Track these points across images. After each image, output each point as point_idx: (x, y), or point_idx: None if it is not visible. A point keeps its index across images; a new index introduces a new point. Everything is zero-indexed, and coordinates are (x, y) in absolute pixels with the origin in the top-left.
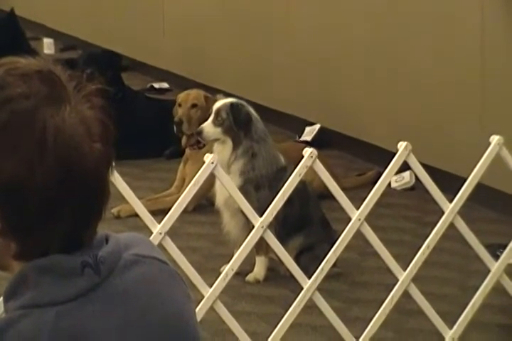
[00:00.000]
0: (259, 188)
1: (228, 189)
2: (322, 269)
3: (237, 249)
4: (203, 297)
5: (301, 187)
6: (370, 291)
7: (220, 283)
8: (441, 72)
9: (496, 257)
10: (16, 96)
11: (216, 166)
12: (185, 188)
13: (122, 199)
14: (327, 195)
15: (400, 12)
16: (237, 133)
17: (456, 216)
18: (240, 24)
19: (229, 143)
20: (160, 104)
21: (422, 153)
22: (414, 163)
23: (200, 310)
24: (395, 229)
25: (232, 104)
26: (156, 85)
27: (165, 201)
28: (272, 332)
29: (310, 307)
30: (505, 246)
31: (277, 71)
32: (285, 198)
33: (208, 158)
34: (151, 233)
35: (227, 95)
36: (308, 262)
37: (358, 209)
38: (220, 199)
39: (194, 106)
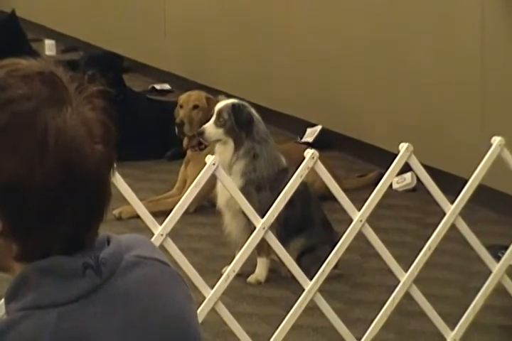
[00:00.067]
0: (260, 189)
1: (229, 190)
2: (323, 270)
3: (239, 251)
4: (204, 298)
5: (303, 189)
6: (371, 292)
7: (222, 284)
8: (441, 72)
9: (498, 258)
10: (18, 98)
11: (218, 167)
12: (187, 190)
13: (124, 200)
14: (328, 197)
15: (399, 12)
16: (239, 134)
17: (458, 217)
18: (240, 25)
19: (230, 144)
20: (161, 105)
21: (423, 154)
22: (415, 164)
23: (202, 312)
24: (396, 230)
25: (233, 105)
26: (158, 86)
27: (166, 202)
28: (273, 334)
29: (311, 308)
30: (506, 248)
31: (278, 72)
32: (286, 199)
33: (209, 159)
34: (153, 234)
35: (228, 96)
36: (310, 263)
37: (359, 210)
38: (221, 201)
39: (195, 107)
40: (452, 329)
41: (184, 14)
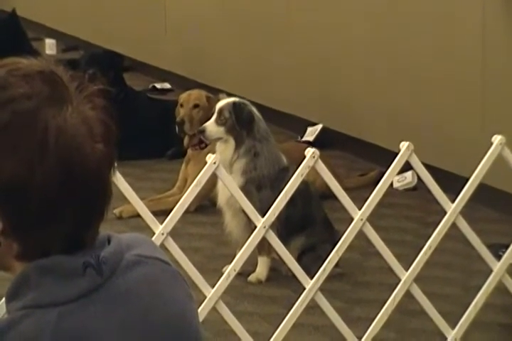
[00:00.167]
0: (261, 188)
1: (230, 189)
2: (324, 269)
3: (239, 249)
4: (205, 297)
5: (304, 188)
6: (372, 291)
7: (222, 283)
8: (442, 71)
9: (498, 257)
10: (18, 97)
11: (218, 166)
12: (188, 189)
13: (124, 199)
14: (329, 195)
15: (400, 12)
16: (240, 132)
17: (459, 216)
18: (240, 25)
19: (231, 143)
20: (162, 104)
21: (424, 152)
22: (416, 163)
23: (203, 311)
24: (397, 229)
25: (234, 103)
26: (158, 85)
27: (167, 201)
28: (274, 333)
29: (312, 307)
30: (507, 246)
31: (278, 71)
32: (287, 198)
33: (210, 158)
34: (153, 233)
35: (229, 95)
36: (311, 262)
37: (360, 209)
38: (222, 199)
39: (196, 106)
40: (453, 327)
41: (185, 13)
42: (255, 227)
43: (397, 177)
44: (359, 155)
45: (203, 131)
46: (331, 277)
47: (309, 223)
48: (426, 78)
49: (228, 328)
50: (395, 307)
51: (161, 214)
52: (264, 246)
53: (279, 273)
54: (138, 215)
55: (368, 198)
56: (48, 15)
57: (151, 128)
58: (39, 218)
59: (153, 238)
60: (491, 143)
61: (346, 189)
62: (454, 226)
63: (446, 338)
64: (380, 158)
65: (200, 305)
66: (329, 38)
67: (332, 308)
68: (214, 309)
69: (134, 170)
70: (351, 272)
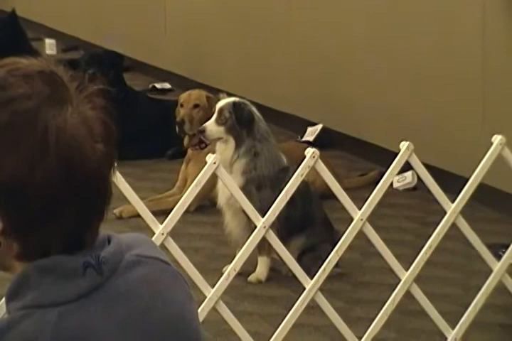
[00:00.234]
0: (261, 188)
1: (230, 189)
2: (324, 269)
3: (239, 249)
4: (205, 297)
5: (304, 188)
6: (372, 291)
7: (223, 283)
8: (442, 71)
9: (498, 257)
10: (18, 97)
11: (218, 166)
12: (188, 189)
13: (124, 199)
14: (329, 195)
15: (400, 11)
16: (240, 132)
17: (459, 216)
18: (240, 24)
19: (231, 142)
20: (162, 104)
21: (424, 152)
22: (416, 163)
23: (203, 311)
24: (397, 229)
25: (234, 103)
26: (158, 85)
27: (167, 201)
28: (274, 333)
29: (312, 307)
30: (507, 246)
31: (279, 71)
32: (287, 198)
33: (210, 158)
34: (153, 233)
35: (229, 95)
36: (311, 262)
37: (360, 209)
38: (222, 199)
39: (196, 106)
40: (453, 327)
41: (184, 13)
42: (255, 227)
43: (397, 177)
44: (359, 155)
45: (203, 131)
46: (331, 277)
47: (309, 223)
48: (426, 78)
49: (228, 328)
50: (395, 307)
51: (161, 214)
52: (264, 246)
53: (279, 273)
54: (138, 215)
55: (367, 198)
56: (47, 15)
57: (151, 128)
58: (39, 218)
59: (154, 238)
60: (491, 143)
61: (346, 189)
62: (454, 226)
63: (446, 338)
64: (380, 158)
65: (200, 305)
66: (329, 37)
67: (332, 308)
68: (214, 309)
69: (134, 170)
70: (351, 272)
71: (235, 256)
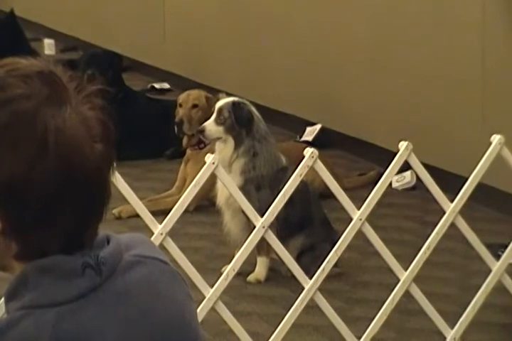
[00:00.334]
0: (260, 188)
1: (229, 189)
2: (323, 269)
3: (238, 249)
4: (204, 297)
5: (303, 187)
6: (371, 291)
7: (222, 283)
8: (441, 72)
9: (497, 257)
10: (17, 97)
11: (217, 166)
12: (186, 189)
13: (123, 199)
14: (328, 195)
15: (400, 11)
16: (239, 131)
17: (458, 215)
18: (240, 24)
19: (231, 142)
20: (161, 104)
21: (422, 152)
22: (415, 162)
23: (202, 311)
24: (396, 228)
25: (234, 103)
26: (157, 86)
27: (166, 201)
28: (273, 333)
29: (311, 307)
30: (506, 246)
31: (278, 71)
32: (286, 198)
33: (208, 158)
34: (152, 233)
35: (228, 95)
36: (310, 262)
37: (359, 209)
38: (221, 199)
39: (195, 106)
40: (452, 327)
41: (183, 13)
42: (254, 227)
43: (396, 177)
44: (358, 155)
45: (202, 131)
46: (330, 277)
47: (308, 223)
48: (425, 78)
49: (227, 328)
50: (394, 307)
51: (160, 214)
52: (263, 246)
53: (278, 273)
54: (137, 215)
55: (367, 198)
56: (46, 15)
57: (149, 129)
58: (38, 218)
59: (152, 238)
60: (490, 143)
61: (345, 189)
62: (453, 225)
63: (445, 338)
64: (379, 157)
65: (199, 305)
66: (328, 38)
67: (331, 308)
68: (213, 309)
69: (132, 170)
70: (350, 272)
71: (234, 256)
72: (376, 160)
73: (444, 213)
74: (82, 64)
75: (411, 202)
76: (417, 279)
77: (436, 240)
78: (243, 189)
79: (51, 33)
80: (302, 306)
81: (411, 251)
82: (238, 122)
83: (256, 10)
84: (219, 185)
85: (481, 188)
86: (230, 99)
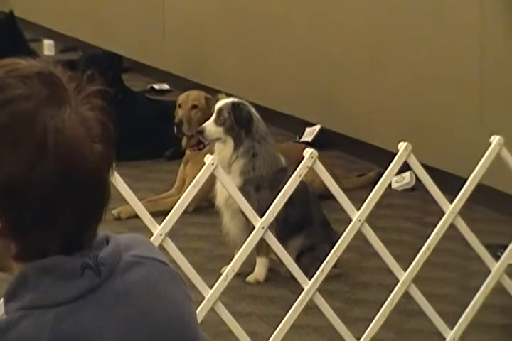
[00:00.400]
0: (259, 189)
1: (229, 190)
2: (322, 270)
3: (238, 250)
4: (203, 298)
5: (302, 188)
6: (370, 292)
7: (221, 284)
8: (440, 72)
9: (497, 257)
10: (16, 98)
11: (216, 167)
12: (186, 189)
13: (123, 200)
14: (327, 196)
15: (399, 11)
16: (239, 132)
17: (457, 216)
18: (239, 24)
19: (230, 143)
20: (160, 105)
21: (422, 153)
22: (414, 163)
23: (201, 311)
24: (395, 229)
25: (233, 104)
26: (157, 86)
27: (165, 202)
28: (272, 333)
29: (311, 307)
30: (505, 247)
31: (277, 72)
32: (286, 199)
33: (208, 159)
34: (152, 234)
35: (228, 96)
36: (309, 263)
37: (358, 209)
38: (220, 200)
39: (194, 107)
40: (451, 328)
41: (183, 14)
42: (253, 228)
43: (395, 178)
44: (357, 156)
45: (202, 131)
46: (329, 278)
47: (307, 224)
48: (424, 78)
49: (227, 329)
50: (394, 308)
51: (160, 215)
52: (262, 247)
53: (277, 273)
54: (136, 216)
55: (366, 199)
56: (45, 16)
57: (149, 129)
58: (38, 218)
59: (152, 239)
60: (490, 144)
61: (345, 189)
62: (452, 226)
63: (444, 338)
64: (379, 158)
65: (198, 306)
66: (328, 37)
67: (330, 309)
68: (212, 310)
69: (132, 170)
70: (349, 273)
71: (233, 257)
72: (375, 160)
73: (444, 214)
74: (82, 64)
75: (410, 202)
76: (417, 280)
77: (436, 241)
78: (242, 189)
79: (50, 34)
80: (301, 307)
81: (410, 251)
82: (238, 123)
83: (256, 10)
84: (218, 185)
85: (480, 189)
86: (230, 99)
